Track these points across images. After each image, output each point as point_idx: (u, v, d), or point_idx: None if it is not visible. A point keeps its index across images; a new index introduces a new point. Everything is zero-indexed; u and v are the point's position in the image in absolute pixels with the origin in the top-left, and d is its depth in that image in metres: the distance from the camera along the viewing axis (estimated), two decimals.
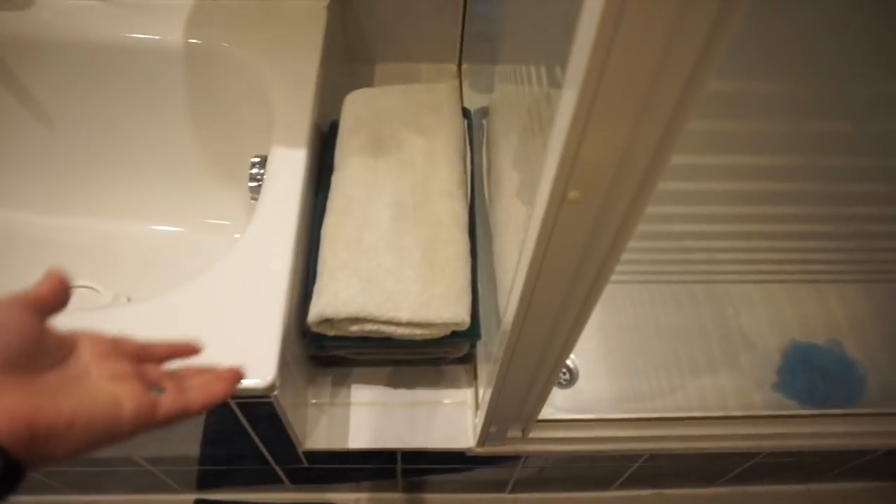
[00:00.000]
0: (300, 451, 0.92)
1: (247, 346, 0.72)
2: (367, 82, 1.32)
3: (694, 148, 0.57)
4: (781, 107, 0.55)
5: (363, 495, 1.31)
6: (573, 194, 0.41)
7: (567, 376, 1.12)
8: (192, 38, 1.04)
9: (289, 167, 0.89)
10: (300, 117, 0.95)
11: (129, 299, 1.11)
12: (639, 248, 0.74)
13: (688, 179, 0.59)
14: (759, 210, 0.66)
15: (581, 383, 1.11)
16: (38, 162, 1.20)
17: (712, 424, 0.94)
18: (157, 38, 1.04)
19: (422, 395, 0.94)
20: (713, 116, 0.54)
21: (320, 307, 0.77)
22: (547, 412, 0.82)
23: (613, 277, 0.50)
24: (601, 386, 1.09)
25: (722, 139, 0.58)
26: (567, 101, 0.35)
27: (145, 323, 0.74)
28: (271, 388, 0.70)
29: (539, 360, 0.62)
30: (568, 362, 1.13)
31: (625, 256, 0.47)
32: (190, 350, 0.49)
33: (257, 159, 0.97)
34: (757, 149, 0.58)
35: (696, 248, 0.76)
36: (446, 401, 0.94)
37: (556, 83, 0.55)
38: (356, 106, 0.99)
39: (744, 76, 0.53)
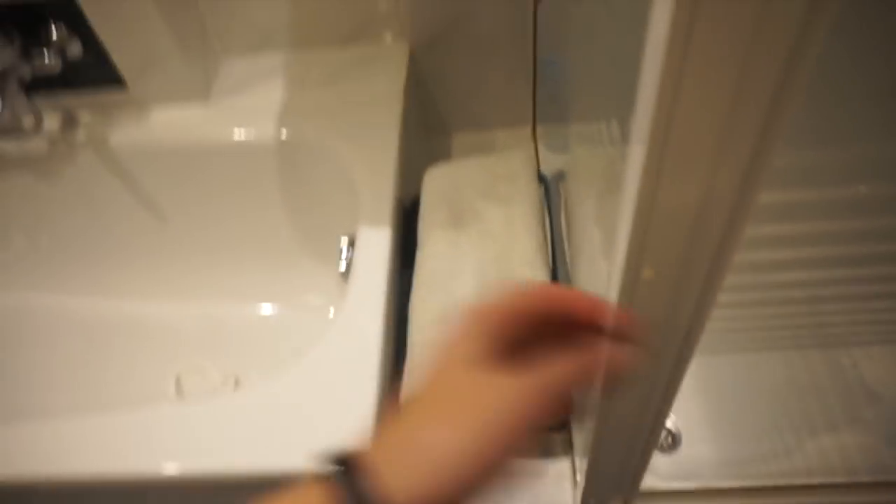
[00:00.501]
0: None
1: (342, 426, 0.74)
2: (445, 154, 1.37)
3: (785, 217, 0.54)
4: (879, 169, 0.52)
5: None
6: (647, 273, 0.40)
7: (669, 440, 1.07)
8: (282, 133, 1.12)
9: (375, 246, 0.93)
10: (383, 197, 0.99)
11: (236, 380, 1.18)
12: (730, 317, 0.71)
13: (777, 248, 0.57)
14: (869, 271, 0.62)
15: (685, 448, 1.05)
16: (152, 254, 1.32)
17: (838, 491, 0.86)
18: (251, 136, 1.13)
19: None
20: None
21: (410, 387, 0.78)
22: (650, 481, 0.79)
23: (710, 348, 0.48)
24: (708, 450, 1.03)
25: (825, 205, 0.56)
26: (635, 157, 0.34)
27: (255, 408, 0.78)
28: None
29: (636, 424, 0.60)
30: (669, 425, 1.08)
31: (719, 325, 0.46)
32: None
33: (346, 239, 1.02)
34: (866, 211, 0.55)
35: (803, 312, 0.72)
36: (544, 472, 0.92)
37: (625, 138, 0.55)
38: (435, 181, 1.03)
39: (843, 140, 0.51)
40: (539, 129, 1.33)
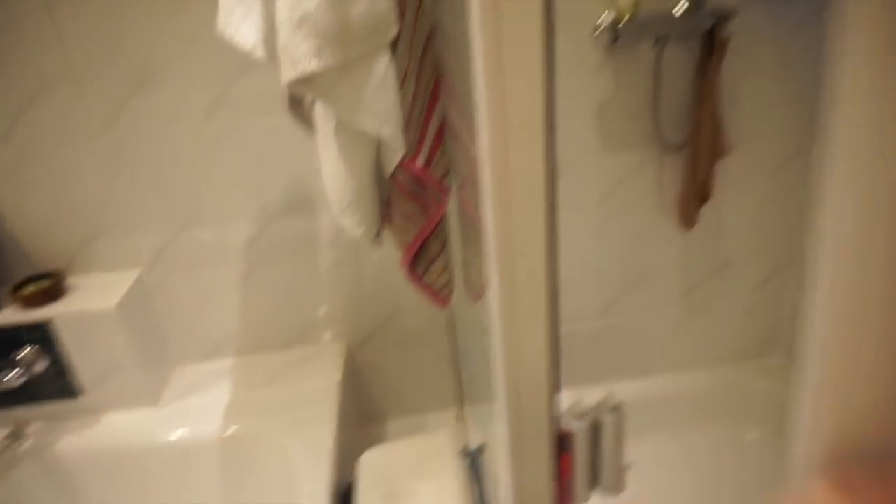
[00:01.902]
0: None
1: None
2: (382, 438, 1.47)
3: None
4: None
5: None
6: None
7: None
8: (227, 430, 1.22)
9: None
10: (320, 483, 1.06)
11: None
12: None
13: None
14: None
15: None
16: None
17: None
18: (196, 435, 1.22)
19: None
20: None
21: None
22: None
23: None
24: None
25: None
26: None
27: None
28: None
29: None
30: None
31: None
32: None
33: None
34: None
35: None
36: None
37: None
38: (370, 464, 1.12)
39: None
40: (467, 409, 1.47)
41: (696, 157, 1.26)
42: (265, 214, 1.29)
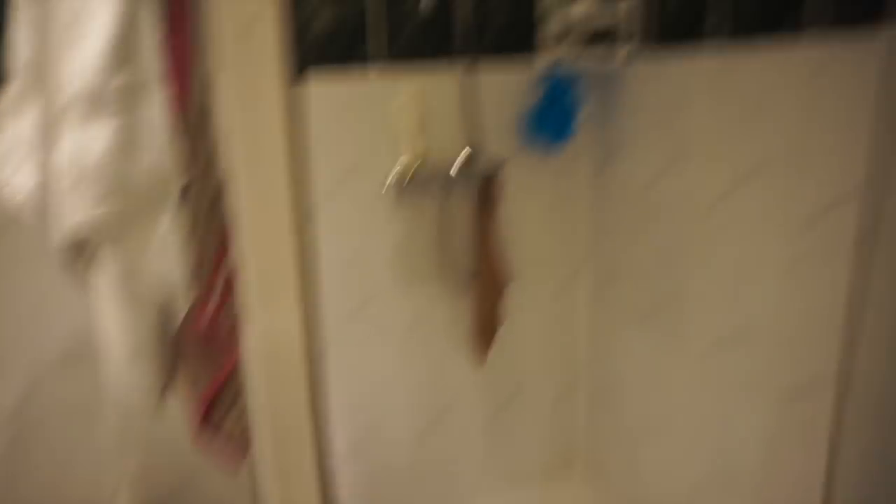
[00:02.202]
0: None
1: None
2: None
3: None
4: None
5: None
6: None
7: None
8: None
9: None
10: None
11: None
12: None
13: None
14: None
15: None
16: None
17: None
18: None
19: None
20: None
21: None
22: None
23: None
24: None
25: None
26: None
27: None
28: None
29: None
30: None
31: None
32: None
33: None
34: None
35: None
36: None
37: None
38: None
39: None
40: None
41: (483, 289, 1.39)
42: (37, 371, 1.15)
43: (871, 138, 0.87)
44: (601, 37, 1.33)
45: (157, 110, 0.69)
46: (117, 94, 0.64)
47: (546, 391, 1.64)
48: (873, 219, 0.88)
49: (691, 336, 1.26)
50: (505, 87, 1.39)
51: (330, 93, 1.26)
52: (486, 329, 1.42)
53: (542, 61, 1.39)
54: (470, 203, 1.42)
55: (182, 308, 0.83)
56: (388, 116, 1.30)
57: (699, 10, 1.13)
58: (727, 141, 1.11)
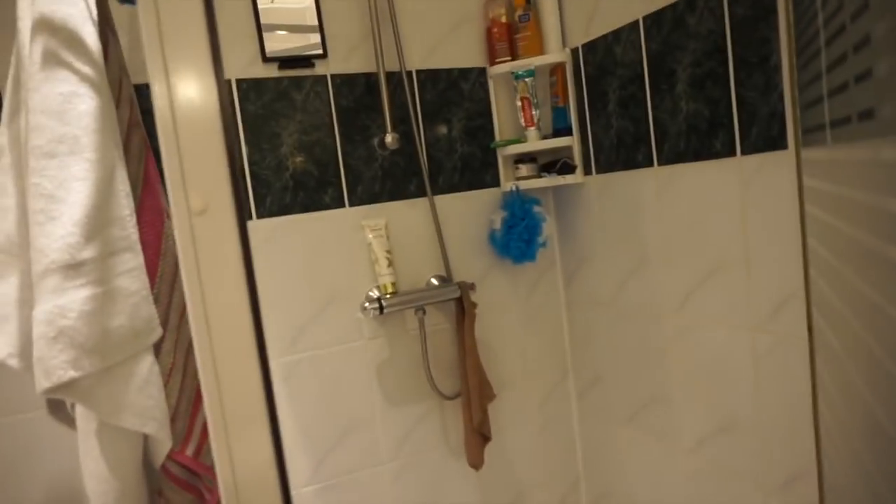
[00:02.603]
0: None
1: None
2: None
3: None
4: None
5: None
6: None
7: None
8: None
9: None
10: None
11: None
12: None
13: None
14: None
15: None
16: None
17: None
18: None
19: None
20: None
21: None
22: None
23: None
24: None
25: None
26: None
27: None
28: None
29: None
30: None
31: None
32: None
33: None
34: None
35: None
36: None
37: None
38: None
39: None
40: None
41: (469, 403, 1.41)
42: None
43: (800, 241, 0.93)
44: (553, 164, 1.44)
45: (131, 275, 0.75)
46: (92, 263, 0.70)
47: (547, 499, 1.61)
48: (819, 314, 0.92)
49: (678, 434, 1.27)
50: (470, 212, 1.48)
51: (298, 231, 1.34)
52: (476, 441, 1.42)
53: (504, 187, 1.49)
54: (447, 322, 1.47)
55: (163, 450, 0.85)
56: (358, 248, 1.38)
57: (634, 143, 1.23)
58: (682, 247, 1.18)
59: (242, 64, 1.27)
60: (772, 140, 0.96)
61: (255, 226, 1.29)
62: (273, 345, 1.32)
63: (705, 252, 1.13)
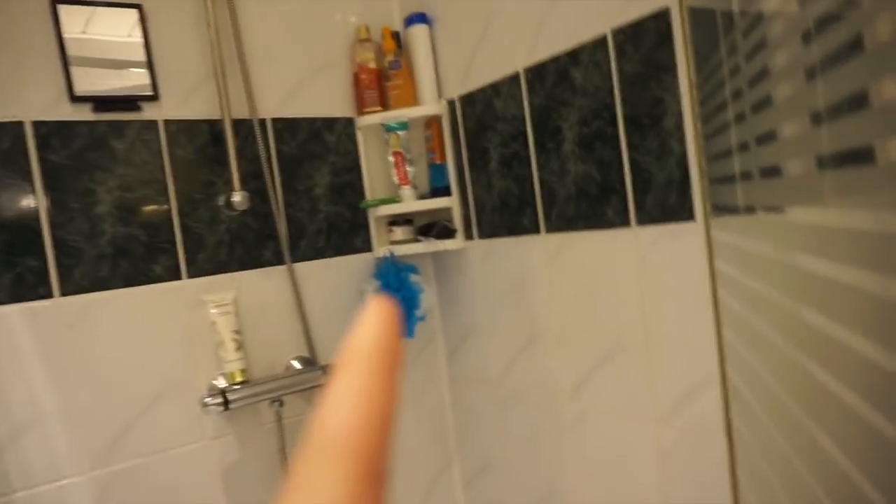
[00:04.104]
0: None
1: None
2: None
3: None
4: None
5: None
6: None
7: None
8: None
9: None
10: None
11: None
12: None
13: None
14: None
15: None
16: None
17: None
18: None
19: None
20: None
21: None
22: None
23: None
24: None
25: None
26: None
27: None
28: None
29: None
30: None
31: None
32: None
33: None
34: None
35: None
36: None
37: None
38: None
39: None
40: None
41: None
42: None
43: (710, 326, 0.82)
44: (431, 226, 1.28)
45: None
46: None
47: None
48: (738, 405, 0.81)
49: None
50: (338, 281, 1.29)
51: (118, 309, 1.08)
52: None
53: (377, 252, 1.31)
54: (312, 410, 1.24)
55: None
56: (199, 328, 1.13)
57: (519, 206, 1.11)
58: (575, 324, 1.05)
59: (42, 103, 1.02)
60: (670, 210, 0.86)
61: (57, 305, 1.02)
62: (80, 455, 1.03)
63: (601, 332, 1.00)
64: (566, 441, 1.11)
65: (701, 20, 0.72)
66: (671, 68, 0.82)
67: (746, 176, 0.64)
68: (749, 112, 0.62)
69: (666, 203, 0.86)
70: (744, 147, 0.62)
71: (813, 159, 0.50)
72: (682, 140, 0.82)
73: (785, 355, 0.57)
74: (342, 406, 0.19)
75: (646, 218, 0.89)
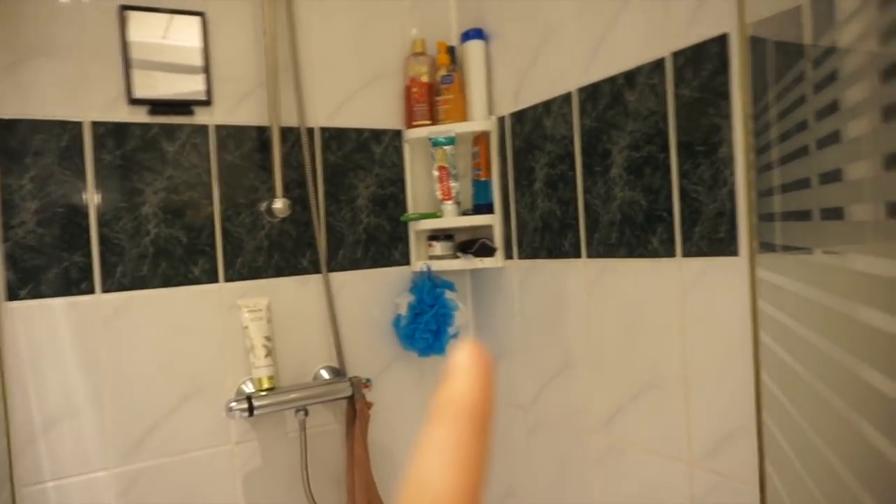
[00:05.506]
0: None
1: None
2: None
3: None
4: None
5: None
6: None
7: None
8: None
9: None
10: None
11: None
12: None
13: None
14: None
15: None
16: None
17: None
18: None
19: None
20: None
21: None
22: None
23: None
24: None
25: None
26: None
27: None
28: None
29: None
30: None
31: None
32: None
33: None
34: None
35: None
36: None
37: None
38: None
39: None
40: None
41: None
42: None
43: (751, 370, 0.77)
44: (471, 243, 1.26)
45: None
46: None
47: None
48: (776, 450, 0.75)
49: None
50: (373, 293, 1.27)
51: (155, 308, 1.09)
52: None
53: (414, 266, 1.29)
54: (337, 422, 1.23)
55: None
56: (231, 332, 1.14)
57: (561, 229, 1.07)
58: (611, 354, 1.00)
59: (102, 104, 1.04)
60: (718, 243, 0.81)
61: (96, 301, 1.04)
62: (107, 450, 1.04)
63: (638, 364, 0.96)
64: (594, 474, 1.06)
65: (760, 49, 0.68)
66: (729, 95, 0.78)
67: (803, 215, 0.59)
68: (814, 147, 0.58)
69: (714, 235, 0.81)
70: (801, 184, 0.58)
71: (883, 205, 0.46)
72: (734, 171, 0.77)
73: (833, 409, 0.52)
74: (441, 460, 0.20)
75: (692, 250, 0.85)
